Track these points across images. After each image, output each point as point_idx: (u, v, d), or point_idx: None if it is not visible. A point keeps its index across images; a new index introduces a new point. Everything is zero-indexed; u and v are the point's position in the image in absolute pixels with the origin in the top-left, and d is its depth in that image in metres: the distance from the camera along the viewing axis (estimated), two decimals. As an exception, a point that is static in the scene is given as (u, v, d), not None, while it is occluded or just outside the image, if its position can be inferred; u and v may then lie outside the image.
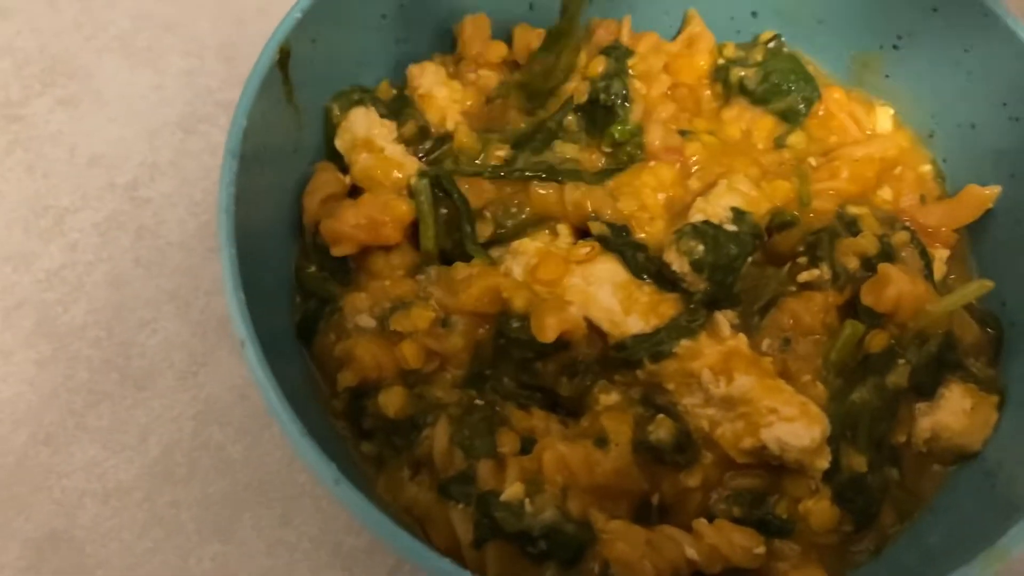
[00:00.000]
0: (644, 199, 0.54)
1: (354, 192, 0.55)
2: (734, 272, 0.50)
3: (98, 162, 0.64)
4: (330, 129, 0.55)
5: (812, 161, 0.57)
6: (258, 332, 0.42)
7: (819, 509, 0.47)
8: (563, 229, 0.54)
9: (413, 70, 0.58)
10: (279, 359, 0.43)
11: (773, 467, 0.48)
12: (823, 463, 0.46)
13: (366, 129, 0.54)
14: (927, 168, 0.58)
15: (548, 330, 0.47)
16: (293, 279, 0.52)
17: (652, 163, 0.55)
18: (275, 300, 0.49)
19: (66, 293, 0.60)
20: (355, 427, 0.49)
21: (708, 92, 0.61)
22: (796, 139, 0.58)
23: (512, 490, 0.45)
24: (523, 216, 0.54)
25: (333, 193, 0.52)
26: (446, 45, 0.60)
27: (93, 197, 0.63)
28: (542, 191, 0.54)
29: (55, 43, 0.69)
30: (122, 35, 0.70)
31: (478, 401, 0.49)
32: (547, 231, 0.54)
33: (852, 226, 0.53)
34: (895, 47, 0.58)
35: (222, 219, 0.43)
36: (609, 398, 0.49)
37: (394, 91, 0.58)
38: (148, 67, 0.68)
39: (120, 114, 0.66)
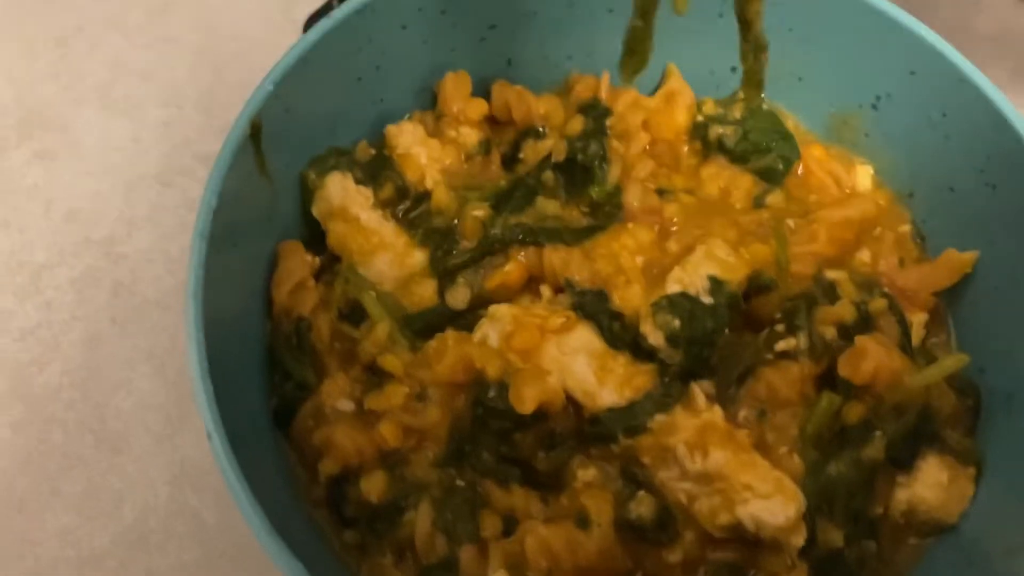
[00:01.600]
0: (622, 262, 0.54)
1: (333, 259, 0.55)
2: (710, 345, 0.50)
3: (74, 217, 0.64)
4: (307, 195, 0.54)
5: (791, 223, 0.56)
6: (229, 418, 0.42)
7: (796, 585, 0.47)
8: (545, 291, 0.53)
9: (391, 130, 0.57)
10: (252, 447, 0.43)
11: (750, 541, 0.47)
12: (799, 540, 0.46)
13: (341, 197, 0.53)
14: (906, 228, 0.58)
15: (527, 401, 0.47)
16: (267, 356, 0.51)
17: (630, 224, 0.55)
18: (247, 382, 0.49)
19: (41, 353, 0.59)
20: (336, 515, 0.49)
21: (687, 148, 0.60)
22: (775, 198, 0.57)
23: None
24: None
25: (301, 280, 0.52)
26: (425, 102, 0.60)
27: (69, 253, 0.63)
28: (522, 257, 0.54)
29: (31, 94, 0.68)
30: (99, 85, 0.69)
31: (459, 482, 0.49)
32: (529, 295, 0.54)
33: (830, 291, 0.52)
34: (874, 107, 0.57)
35: (190, 304, 0.42)
36: (587, 473, 0.49)
37: (372, 151, 0.57)
38: (125, 117, 0.68)
39: (97, 167, 0.66)
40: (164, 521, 0.55)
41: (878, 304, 0.52)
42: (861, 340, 0.49)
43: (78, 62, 0.70)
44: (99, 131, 0.67)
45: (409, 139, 0.57)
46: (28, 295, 0.61)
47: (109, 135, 0.67)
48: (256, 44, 0.71)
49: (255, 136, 0.48)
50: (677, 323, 0.49)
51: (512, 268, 0.54)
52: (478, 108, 0.59)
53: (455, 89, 0.58)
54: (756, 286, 0.53)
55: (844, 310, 0.51)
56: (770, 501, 0.45)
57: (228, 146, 0.46)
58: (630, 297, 0.52)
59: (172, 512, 0.55)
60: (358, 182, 0.55)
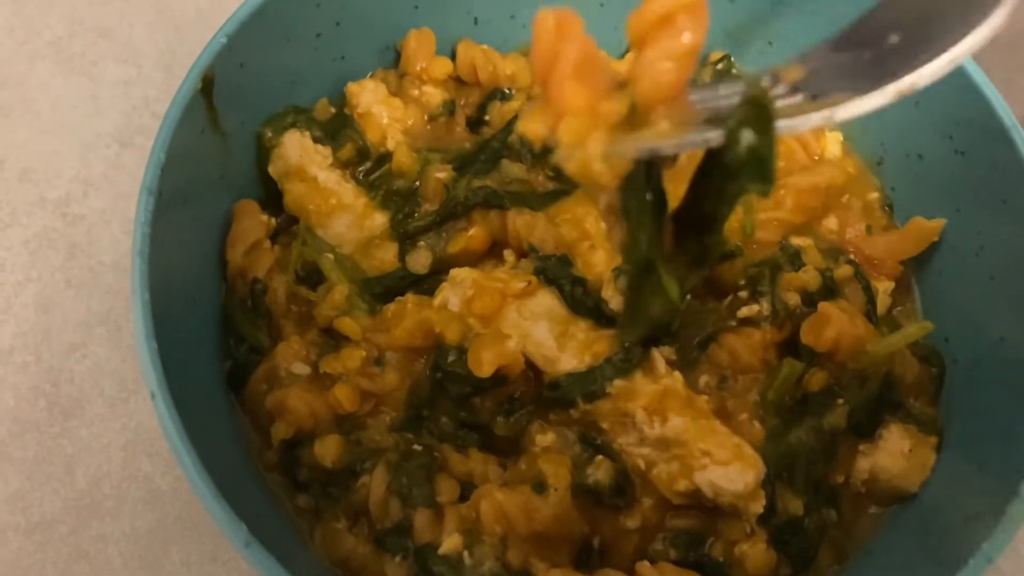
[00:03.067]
0: (586, 227, 0.53)
1: (290, 221, 0.53)
2: (672, 311, 0.49)
3: (28, 176, 0.62)
4: (263, 154, 0.53)
5: (758, 189, 0.55)
6: (177, 380, 0.41)
7: (755, 552, 0.46)
8: (509, 256, 0.53)
9: (352, 88, 0.56)
10: (203, 410, 0.42)
11: (709, 508, 0.47)
12: (757, 507, 0.46)
13: (298, 155, 0.52)
14: (875, 196, 0.57)
15: (485, 365, 0.46)
16: (221, 319, 0.50)
17: (596, 190, 0.54)
18: (200, 344, 0.48)
19: (-8, 315, 0.58)
20: (290, 479, 0.48)
21: (656, 113, 0.59)
22: (743, 165, 0.56)
23: (450, 542, 0.44)
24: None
25: (257, 241, 0.50)
26: (387, 60, 0.59)
27: (23, 213, 0.61)
28: (485, 219, 0.53)
29: (-15, 49, 0.66)
30: (56, 41, 0.67)
31: (416, 446, 0.48)
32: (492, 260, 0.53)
33: (795, 259, 0.52)
34: (845, 72, 0.56)
35: (136, 262, 0.41)
36: (545, 438, 0.48)
37: (333, 110, 0.56)
38: (83, 75, 0.66)
39: (52, 125, 0.64)
40: (117, 487, 0.54)
41: (843, 271, 0.51)
42: (824, 306, 0.48)
43: (34, 17, 0.68)
44: (55, 89, 0.65)
45: (370, 98, 0.55)
46: (-21, 256, 0.60)
47: (66, 93, 0.65)
48: (216, 2, 0.69)
49: (207, 91, 0.47)
50: (638, 287, 0.48)
51: (476, 232, 0.53)
52: (442, 67, 0.57)
53: (418, 47, 0.57)
54: (721, 253, 0.53)
55: (808, 277, 0.50)
56: (729, 468, 0.45)
57: (178, 100, 0.45)
58: (594, 263, 0.51)
59: (125, 478, 0.54)
60: (317, 141, 0.54)
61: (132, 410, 0.56)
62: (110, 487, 0.54)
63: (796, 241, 0.53)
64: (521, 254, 0.52)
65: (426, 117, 0.57)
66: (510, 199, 0.53)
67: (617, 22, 0.59)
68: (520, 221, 0.52)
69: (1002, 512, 0.40)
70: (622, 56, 0.60)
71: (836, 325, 0.47)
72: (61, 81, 0.66)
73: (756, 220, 0.54)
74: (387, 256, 0.53)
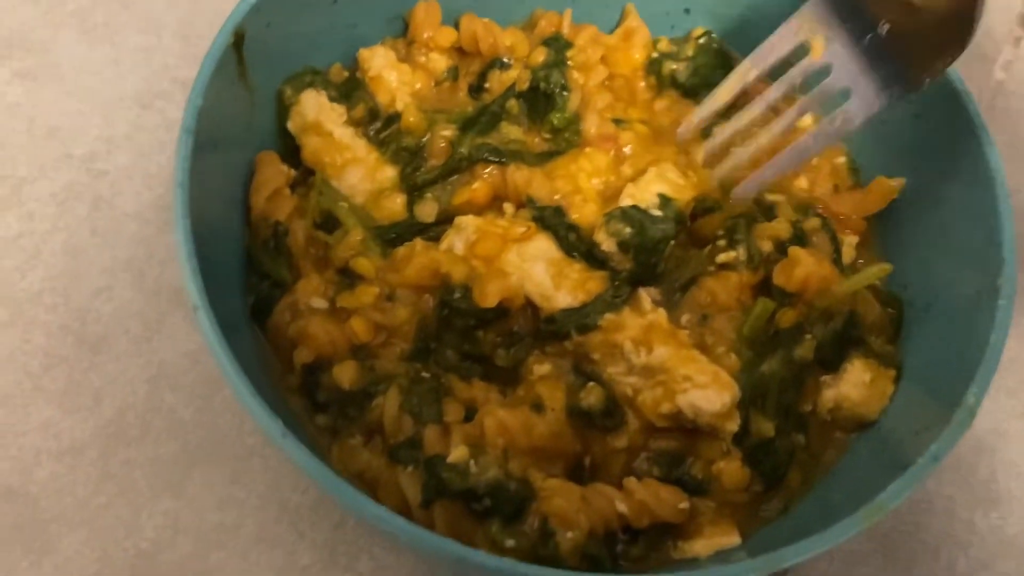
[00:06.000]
0: (579, 183, 0.58)
1: (307, 173, 0.58)
2: (657, 253, 0.54)
3: (55, 134, 0.66)
4: (282, 111, 0.57)
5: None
6: (211, 305, 0.45)
7: (730, 469, 0.51)
8: (508, 208, 0.57)
9: (364, 53, 0.61)
10: (232, 334, 0.46)
11: (689, 431, 0.52)
12: (733, 426, 0.50)
13: (316, 112, 0.57)
14: (842, 160, 0.62)
15: (490, 296, 0.51)
16: (244, 259, 0.55)
17: (588, 149, 0.59)
18: (227, 279, 0.52)
19: (23, 261, 0.62)
20: (310, 402, 0.52)
21: (642, 83, 0.64)
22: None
23: (458, 452, 0.48)
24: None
25: (278, 188, 0.55)
26: (396, 29, 0.63)
27: (50, 168, 0.65)
28: (487, 172, 0.57)
29: (11, 17, 0.70)
30: (79, 11, 0.71)
31: (424, 374, 0.52)
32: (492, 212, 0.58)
33: (769, 212, 0.57)
34: (815, 45, 0.62)
35: (178, 193, 0.45)
36: (542, 368, 0.53)
37: (346, 73, 0.61)
38: (105, 43, 0.70)
39: (77, 88, 0.68)
40: (142, 416, 0.58)
41: (812, 223, 0.56)
42: (794, 250, 0.53)
43: (58, -13, 0.72)
44: (79, 55, 0.69)
45: (381, 62, 0.60)
46: (10, 206, 0.63)
47: (89, 59, 0.69)
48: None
49: (238, 45, 0.51)
50: (628, 231, 0.53)
51: (478, 186, 0.57)
52: (447, 35, 0.62)
53: (426, 17, 0.62)
54: (702, 207, 0.58)
55: (780, 227, 0.55)
56: (707, 390, 0.50)
57: (213, 50, 0.49)
58: (586, 214, 0.56)
59: (150, 408, 0.58)
60: (332, 100, 0.58)
61: (156, 348, 0.60)
62: (135, 416, 0.58)
63: (770, 197, 0.58)
64: (519, 207, 0.57)
65: (432, 82, 0.62)
66: (509, 155, 0.57)
67: (608, 1, 0.65)
68: (519, 175, 0.57)
69: (948, 420, 0.45)
70: (612, 31, 0.66)
71: (805, 267, 0.53)
72: (85, 48, 0.70)
73: (734, 179, 0.59)
74: (396, 206, 0.57)
